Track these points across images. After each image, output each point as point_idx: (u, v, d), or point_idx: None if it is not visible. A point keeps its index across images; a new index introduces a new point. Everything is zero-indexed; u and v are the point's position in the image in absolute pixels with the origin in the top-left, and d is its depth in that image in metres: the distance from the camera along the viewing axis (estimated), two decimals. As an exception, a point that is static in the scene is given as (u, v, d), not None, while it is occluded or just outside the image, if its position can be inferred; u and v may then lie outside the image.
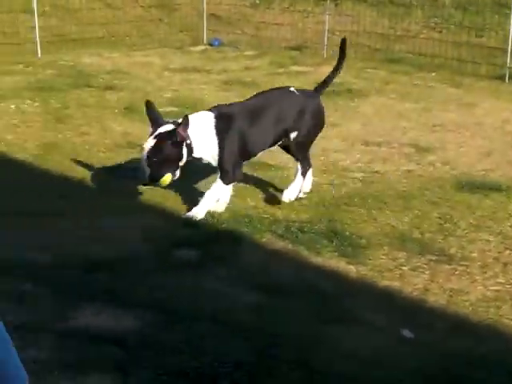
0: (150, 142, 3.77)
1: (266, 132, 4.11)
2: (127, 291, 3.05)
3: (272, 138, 4.16)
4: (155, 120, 3.85)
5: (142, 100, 6.69)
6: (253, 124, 4.03)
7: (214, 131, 3.92)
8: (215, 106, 4.09)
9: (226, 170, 4.00)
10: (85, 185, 4.54)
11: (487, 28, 9.74)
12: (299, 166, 4.28)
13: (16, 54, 8.93)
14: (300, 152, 4.29)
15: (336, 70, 4.48)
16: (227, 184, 4.05)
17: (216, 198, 4.07)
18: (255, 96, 4.28)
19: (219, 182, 4.03)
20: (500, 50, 8.52)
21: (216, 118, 3.94)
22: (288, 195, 4.22)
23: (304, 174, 4.31)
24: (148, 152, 3.75)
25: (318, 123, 4.34)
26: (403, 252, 3.70)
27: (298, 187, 4.26)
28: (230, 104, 4.18)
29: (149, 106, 3.90)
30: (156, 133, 3.79)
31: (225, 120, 3.94)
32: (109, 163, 4.95)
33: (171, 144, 3.77)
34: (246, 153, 4.08)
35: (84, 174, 4.69)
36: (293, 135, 4.21)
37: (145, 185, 3.95)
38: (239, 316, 2.89)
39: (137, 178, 4.06)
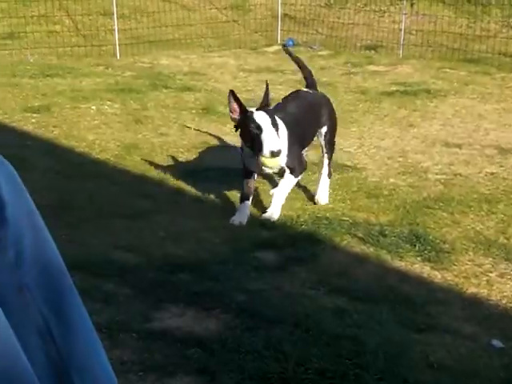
0: (259, 112, 3.75)
1: (309, 125, 4.20)
2: (208, 293, 3.03)
3: (312, 131, 4.26)
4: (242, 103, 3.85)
5: (218, 101, 6.85)
6: (302, 117, 4.09)
7: (282, 124, 3.92)
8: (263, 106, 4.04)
9: (294, 162, 3.99)
10: (164, 185, 4.57)
11: None
12: (326, 166, 4.34)
13: (96, 56, 9.14)
14: (330, 148, 4.37)
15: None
16: (297, 176, 4.05)
17: (287, 193, 4.04)
18: (289, 96, 4.32)
19: (290, 176, 4.00)
20: None
21: (276, 111, 3.96)
22: (324, 199, 4.27)
23: (330, 175, 4.37)
24: (269, 115, 3.74)
25: (336, 118, 4.46)
26: (489, 258, 3.58)
27: (327, 188, 4.32)
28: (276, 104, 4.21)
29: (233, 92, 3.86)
30: (252, 109, 3.80)
31: (283, 114, 3.99)
32: (187, 164, 4.99)
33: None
34: (301, 144, 4.13)
35: (163, 175, 4.73)
36: (324, 130, 4.28)
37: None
38: (320, 320, 2.83)
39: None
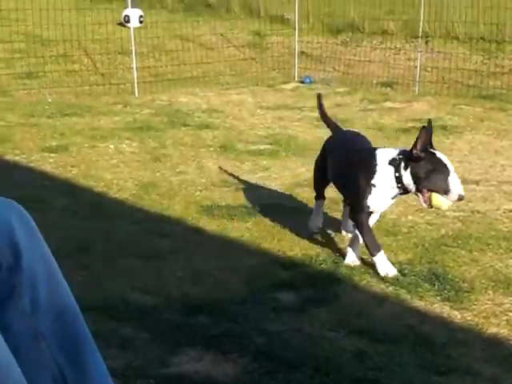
0: (441, 154, 3.68)
1: None
2: (226, 335, 3.02)
3: None
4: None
5: (236, 138, 6.91)
6: None
7: None
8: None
9: None
10: (182, 224, 4.57)
11: None
12: None
13: (114, 94, 9.24)
14: None
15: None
16: None
17: None
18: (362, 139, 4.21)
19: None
20: None
21: None
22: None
23: None
24: None
25: None
26: (509, 297, 3.54)
27: None
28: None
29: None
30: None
31: None
32: (205, 202, 4.98)
33: None
34: None
35: (181, 213, 4.74)
36: None
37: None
38: (341, 364, 2.81)
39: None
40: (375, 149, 3.88)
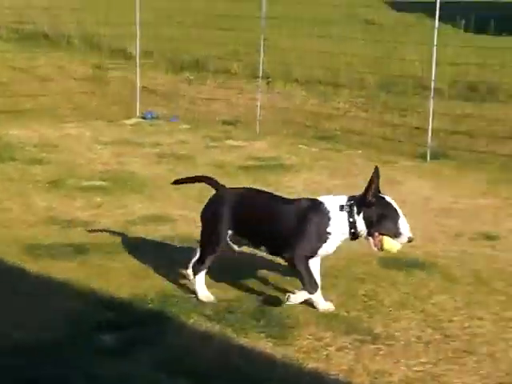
0: (389, 198, 3.77)
1: None
2: (45, 379, 2.88)
3: None
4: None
5: (68, 174, 6.71)
6: None
7: None
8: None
9: None
10: (2, 265, 4.33)
11: (409, 108, 10.12)
12: None
13: None
14: None
15: None
16: None
17: None
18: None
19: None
20: (421, 130, 8.79)
21: None
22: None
23: None
24: None
25: None
26: (330, 331, 3.65)
27: None
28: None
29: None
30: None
31: None
32: (29, 241, 4.76)
33: None
34: None
35: (2, 253, 4.48)
36: None
37: None
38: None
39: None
40: (317, 198, 3.91)
